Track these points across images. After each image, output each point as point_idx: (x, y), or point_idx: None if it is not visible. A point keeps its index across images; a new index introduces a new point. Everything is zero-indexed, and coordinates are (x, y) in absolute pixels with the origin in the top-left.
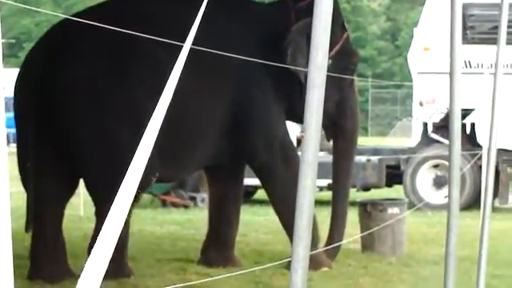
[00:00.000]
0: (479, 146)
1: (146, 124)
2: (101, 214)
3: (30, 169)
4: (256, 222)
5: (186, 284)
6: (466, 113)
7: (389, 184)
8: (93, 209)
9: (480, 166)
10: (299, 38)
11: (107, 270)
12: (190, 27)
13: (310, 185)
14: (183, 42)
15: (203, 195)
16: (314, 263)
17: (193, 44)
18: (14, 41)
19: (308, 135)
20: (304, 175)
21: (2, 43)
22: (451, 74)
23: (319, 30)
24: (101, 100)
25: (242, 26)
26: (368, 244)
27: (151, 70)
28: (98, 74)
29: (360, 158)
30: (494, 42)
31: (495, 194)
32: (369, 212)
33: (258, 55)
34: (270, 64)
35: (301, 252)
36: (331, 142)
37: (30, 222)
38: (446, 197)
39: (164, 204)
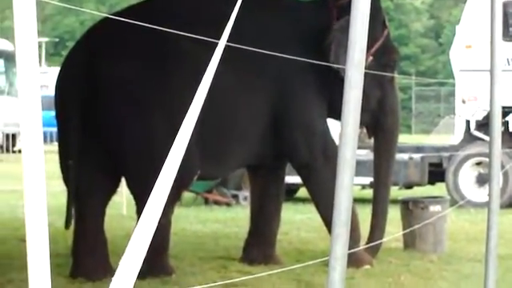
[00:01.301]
0: None
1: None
2: (141, 212)
3: (71, 166)
4: (298, 219)
5: (227, 281)
6: (508, 110)
7: (431, 182)
8: (135, 208)
9: None
10: (341, 35)
11: (150, 269)
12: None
13: (348, 182)
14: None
15: (245, 193)
16: (356, 261)
17: (234, 41)
18: (57, 40)
19: (346, 132)
20: (342, 172)
21: (46, 42)
22: (492, 71)
23: (357, 29)
24: (141, 98)
25: (284, 24)
26: (409, 242)
27: (192, 69)
28: (139, 72)
29: (402, 156)
30: None
31: None
32: (410, 210)
33: (300, 53)
34: (311, 62)
35: (339, 250)
36: (371, 140)
37: (69, 219)
38: (488, 194)
39: (206, 202)
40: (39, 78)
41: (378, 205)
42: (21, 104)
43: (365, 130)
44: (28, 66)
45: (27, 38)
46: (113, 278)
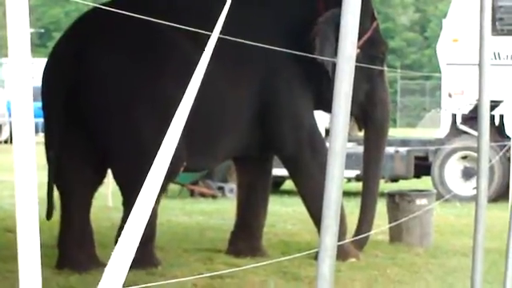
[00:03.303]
0: (508, 138)
1: (173, 113)
2: (128, 204)
3: (53, 157)
4: (284, 212)
5: (213, 273)
6: (494, 104)
7: (417, 175)
8: (121, 199)
9: (509, 158)
10: (327, 28)
11: (136, 260)
12: (217, 16)
13: (338, 174)
14: (211, 32)
15: (231, 185)
16: (342, 254)
17: (221, 33)
18: (43, 30)
19: (336, 125)
20: (332, 165)
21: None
22: (480, 65)
23: (348, 22)
24: (128, 90)
25: (270, 16)
26: (396, 235)
27: (180, 60)
28: (126, 63)
29: (388, 149)
30: None
31: None
32: (397, 203)
33: (286, 45)
34: (297, 54)
35: (328, 242)
36: (360, 134)
37: (50, 210)
38: (474, 188)
39: (192, 194)
40: (30, 69)
41: (367, 198)
42: (12, 94)
43: (353, 123)
44: (20, 58)
45: (19, 30)
46: (105, 269)
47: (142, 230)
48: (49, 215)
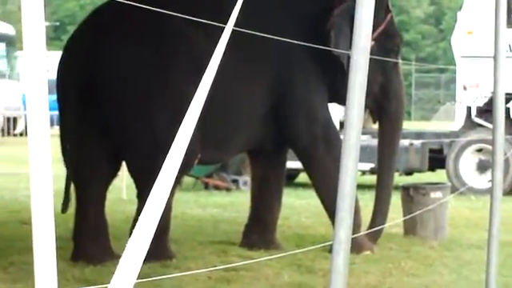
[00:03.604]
0: None
1: (187, 107)
2: (142, 197)
3: (70, 150)
4: (298, 205)
5: (227, 266)
6: (509, 97)
7: (432, 168)
8: (135, 192)
9: None
10: (342, 20)
11: (150, 253)
12: (230, 10)
13: (352, 166)
14: (225, 25)
15: (246, 178)
16: (356, 247)
17: (234, 26)
18: (58, 23)
19: (350, 117)
20: (346, 157)
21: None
22: (495, 57)
23: (362, 14)
24: (143, 82)
25: (285, 8)
26: (410, 228)
27: (194, 54)
28: (141, 56)
29: (403, 142)
30: None
31: None
32: (411, 196)
33: (301, 38)
34: (312, 47)
35: (342, 234)
36: (375, 126)
37: (66, 203)
38: (489, 181)
39: (206, 187)
40: (45, 63)
41: (382, 191)
42: (27, 87)
43: (367, 116)
44: (35, 51)
45: (34, 23)
46: (120, 261)
47: (156, 223)
48: (64, 208)
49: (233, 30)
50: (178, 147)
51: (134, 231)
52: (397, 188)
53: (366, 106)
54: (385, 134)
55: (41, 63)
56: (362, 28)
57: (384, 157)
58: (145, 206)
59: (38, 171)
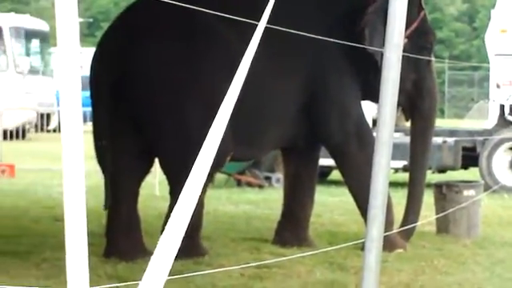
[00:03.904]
0: None
1: (219, 104)
2: (175, 194)
3: (105, 147)
4: (331, 202)
5: (259, 263)
6: None
7: (465, 166)
8: (168, 188)
9: None
10: (376, 18)
11: (182, 249)
12: (264, 7)
13: (385, 164)
14: (257, 22)
15: (278, 175)
16: (389, 244)
17: (269, 24)
18: (91, 20)
19: (383, 114)
20: (379, 154)
21: (80, 22)
22: None
23: (395, 11)
24: (175, 79)
25: (319, 6)
26: (443, 226)
27: (227, 51)
28: (173, 53)
29: (436, 140)
30: None
31: None
32: (444, 194)
33: (334, 35)
34: (345, 44)
35: (375, 232)
36: (407, 124)
37: (108, 199)
38: None
39: (239, 184)
40: (78, 59)
41: (414, 188)
42: (60, 84)
43: (400, 113)
44: (68, 48)
45: (68, 20)
46: (151, 257)
47: (188, 220)
48: (107, 204)
49: (266, 27)
50: (210, 144)
51: (165, 228)
52: (430, 186)
53: (399, 104)
54: (417, 132)
55: (74, 60)
56: (394, 25)
57: (416, 154)
58: (177, 203)
59: (70, 167)
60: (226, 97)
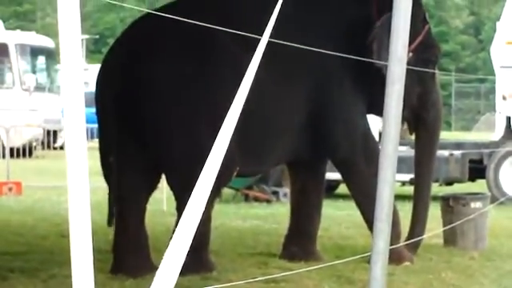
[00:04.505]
0: None
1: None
2: (181, 209)
3: (112, 163)
4: (338, 216)
5: (267, 277)
6: None
7: (472, 178)
8: (175, 204)
9: None
10: (383, 32)
11: (189, 265)
12: (266, 23)
13: (390, 177)
14: (261, 36)
15: (286, 190)
16: (396, 257)
17: (273, 37)
18: (98, 36)
19: (387, 128)
20: (384, 167)
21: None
22: None
23: (399, 24)
24: (180, 94)
25: (324, 19)
26: (450, 238)
27: (231, 65)
28: (178, 68)
29: (443, 153)
30: None
31: None
32: (451, 206)
33: (340, 49)
34: (350, 58)
35: (381, 244)
36: (413, 137)
37: (111, 216)
38: None
39: (246, 198)
40: (82, 76)
41: (419, 201)
42: (65, 100)
43: (405, 126)
44: (72, 63)
45: (71, 36)
46: (156, 273)
47: (193, 235)
48: (110, 222)
49: (271, 42)
50: (214, 159)
51: (170, 243)
52: (437, 198)
53: (404, 117)
54: (422, 145)
55: (78, 76)
56: (398, 38)
57: (421, 167)
58: (181, 219)
59: (75, 184)
60: (229, 111)
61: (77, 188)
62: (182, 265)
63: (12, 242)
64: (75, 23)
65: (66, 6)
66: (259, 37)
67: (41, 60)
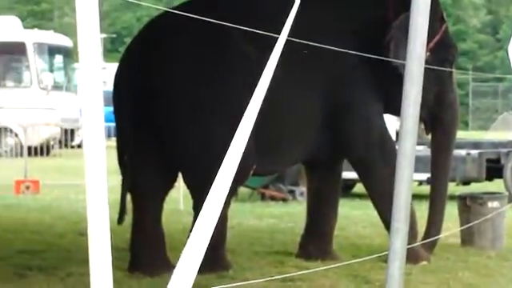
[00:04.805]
0: None
1: (240, 119)
2: (198, 208)
3: (127, 162)
4: (355, 215)
5: (284, 276)
6: None
7: (489, 178)
8: (192, 202)
9: None
10: (401, 32)
11: (206, 263)
12: (283, 22)
13: (407, 176)
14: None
15: (302, 189)
16: (413, 257)
17: (290, 36)
18: (115, 35)
19: (405, 127)
20: (401, 167)
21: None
22: None
23: (417, 24)
24: (196, 93)
25: (340, 18)
26: (467, 238)
27: (248, 64)
28: (194, 67)
29: (460, 152)
30: None
31: None
32: (468, 206)
33: (357, 48)
34: (367, 57)
35: (398, 244)
36: (430, 136)
37: (122, 214)
38: None
39: (263, 197)
40: (100, 75)
41: (436, 201)
42: (83, 99)
43: (422, 126)
44: (90, 62)
45: (89, 34)
46: (174, 271)
47: (211, 233)
48: (120, 220)
49: (287, 41)
50: (232, 158)
51: (188, 242)
52: (454, 198)
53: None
54: (439, 145)
55: (96, 75)
56: (416, 38)
57: (438, 167)
58: (199, 217)
59: (93, 182)
60: (247, 110)
61: (95, 186)
62: (199, 263)
63: (30, 240)
64: (94, 22)
65: (85, 5)
66: (277, 35)
67: (58, 59)
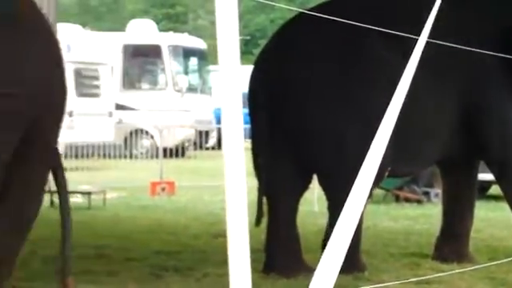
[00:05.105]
0: None
1: (375, 120)
2: (334, 209)
3: (262, 164)
4: (491, 217)
5: (419, 278)
6: None
7: None
8: (326, 204)
9: None
10: None
11: (344, 264)
12: (420, 22)
13: None
14: (417, 37)
15: (437, 190)
16: None
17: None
18: (249, 37)
19: None
20: None
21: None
22: None
23: None
24: (331, 96)
25: (476, 18)
26: None
27: (385, 67)
28: (330, 71)
29: None
30: None
31: None
32: None
33: (494, 49)
34: (506, 57)
35: None
36: None
37: (260, 216)
38: None
39: (397, 199)
40: (239, 75)
41: None
42: (223, 101)
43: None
44: (230, 64)
45: (229, 37)
46: (314, 273)
47: (351, 236)
48: (258, 222)
49: (430, 40)
50: (372, 161)
51: (328, 244)
52: None
53: None
54: None
55: (235, 77)
56: None
57: None
58: (339, 219)
59: (232, 184)
60: (387, 113)
61: (234, 188)
62: (340, 265)
63: (165, 241)
64: (233, 24)
65: (225, 7)
66: (416, 37)
67: (193, 61)
